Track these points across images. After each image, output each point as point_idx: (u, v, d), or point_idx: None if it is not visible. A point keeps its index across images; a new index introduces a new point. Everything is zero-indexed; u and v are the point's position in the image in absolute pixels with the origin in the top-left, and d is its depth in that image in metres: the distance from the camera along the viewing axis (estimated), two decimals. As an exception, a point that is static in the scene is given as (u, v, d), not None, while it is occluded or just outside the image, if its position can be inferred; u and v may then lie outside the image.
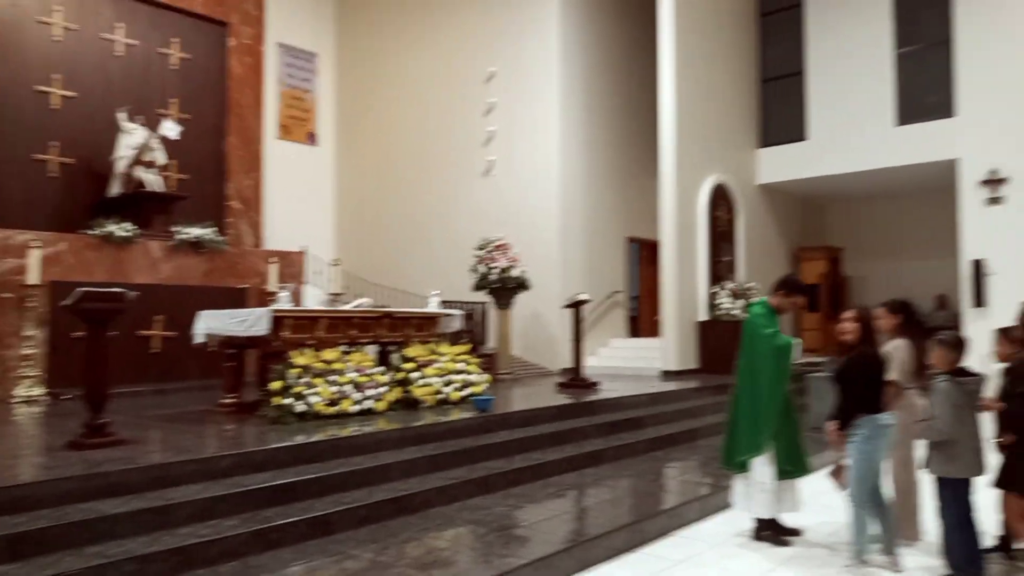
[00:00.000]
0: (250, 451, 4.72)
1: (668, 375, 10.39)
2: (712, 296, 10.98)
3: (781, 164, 12.15)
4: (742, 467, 4.67)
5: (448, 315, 7.72)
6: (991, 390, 4.22)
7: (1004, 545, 4.27)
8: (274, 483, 4.40)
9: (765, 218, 12.66)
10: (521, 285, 10.18)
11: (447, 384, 6.95)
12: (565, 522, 4.79)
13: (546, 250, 11.11)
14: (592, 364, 10.86)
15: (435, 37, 12.61)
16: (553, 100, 11.29)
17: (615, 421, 7.24)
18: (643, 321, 13.27)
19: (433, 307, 7.72)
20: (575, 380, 8.61)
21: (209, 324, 6.53)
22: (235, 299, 9.37)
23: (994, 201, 9.99)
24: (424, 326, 7.41)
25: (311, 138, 13.53)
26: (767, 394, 4.57)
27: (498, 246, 10.19)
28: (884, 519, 4.22)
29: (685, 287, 10.74)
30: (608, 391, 8.35)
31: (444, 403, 6.88)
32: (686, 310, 10.75)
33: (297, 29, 13.29)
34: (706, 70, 11.32)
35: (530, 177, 11.41)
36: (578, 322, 8.68)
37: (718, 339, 10.49)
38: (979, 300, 9.99)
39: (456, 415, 6.32)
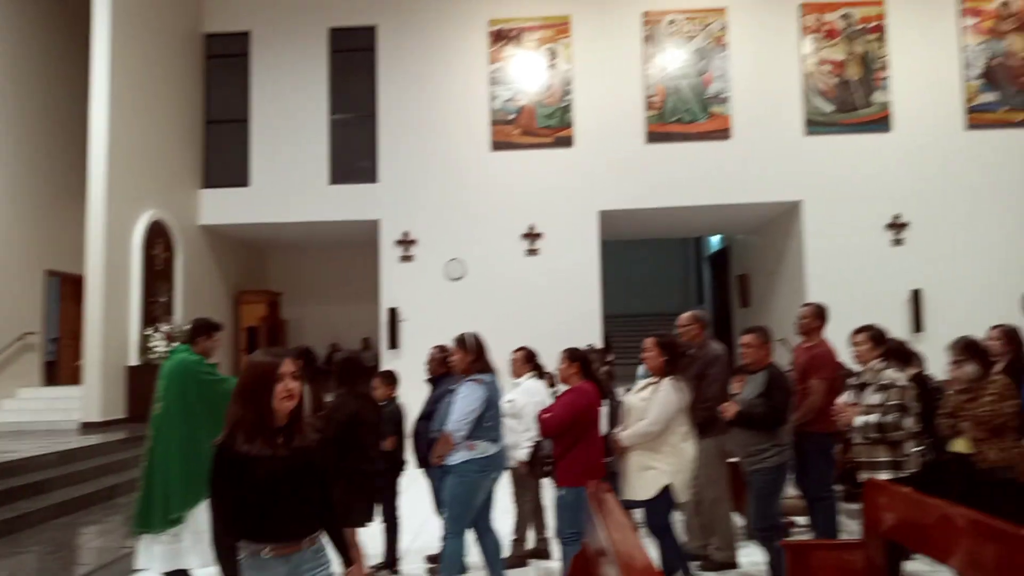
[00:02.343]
0: None
1: (89, 427, 9.29)
2: (145, 339, 10.27)
3: (224, 207, 12.14)
4: (177, 523, 4.39)
5: None
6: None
7: None
8: None
9: (207, 260, 12.45)
10: None
11: None
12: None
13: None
14: (-12, 421, 9.04)
15: None
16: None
17: (7, 489, 6.12)
18: (63, 367, 11.66)
19: None
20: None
21: None
22: None
23: (406, 259, 11.68)
24: None
25: None
26: (211, 441, 4.42)
27: None
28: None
29: (114, 328, 9.82)
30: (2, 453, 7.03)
31: None
32: (114, 353, 9.81)
33: None
34: (147, 101, 10.71)
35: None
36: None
37: (150, 385, 9.77)
38: (394, 342, 11.49)
39: None
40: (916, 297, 10.89)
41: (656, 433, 4.22)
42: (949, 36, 11.27)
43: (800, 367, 5.07)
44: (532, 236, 11.50)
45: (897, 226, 11.12)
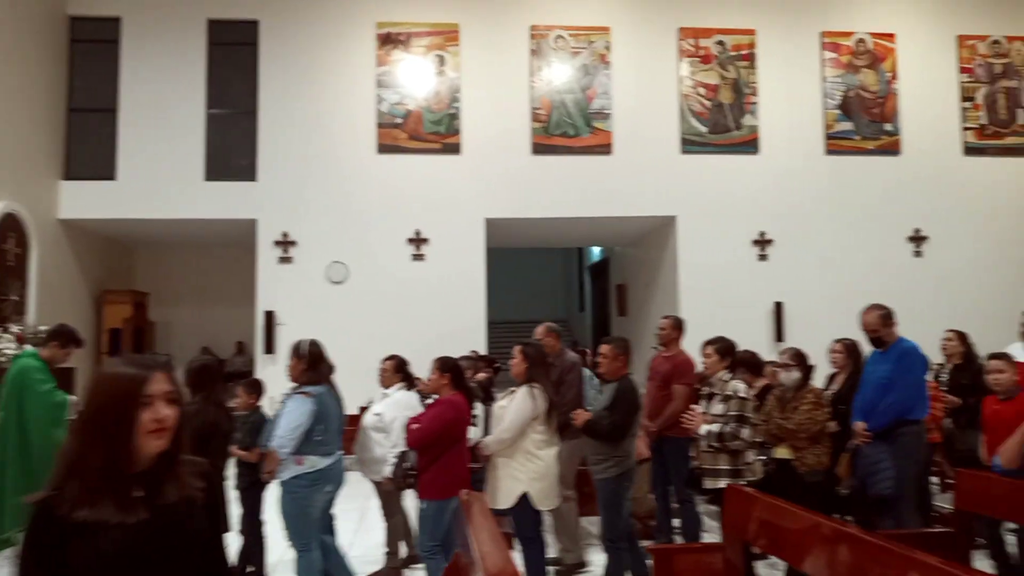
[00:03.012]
0: None
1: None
2: (-9, 341, 9.45)
3: (87, 201, 11.37)
4: (6, 544, 4.08)
5: None
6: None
7: None
8: None
9: (66, 256, 11.62)
10: None
11: None
12: None
13: None
14: None
15: None
16: None
17: None
18: None
19: None
20: None
21: None
22: None
23: (285, 260, 11.35)
24: None
25: None
26: (41, 455, 4.14)
27: None
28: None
29: (-46, 330, 8.99)
30: None
31: None
32: (-46, 357, 8.97)
33: None
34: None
35: None
36: None
37: (-4, 391, 9.03)
38: (270, 347, 11.13)
39: None
40: (778, 309, 11.60)
41: (509, 440, 4.21)
42: (812, 67, 12.10)
43: (661, 375, 5.29)
44: (418, 241, 11.44)
45: (762, 242, 11.82)
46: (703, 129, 11.79)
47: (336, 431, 4.29)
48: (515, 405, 4.23)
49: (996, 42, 12.35)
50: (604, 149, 11.64)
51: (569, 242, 17.39)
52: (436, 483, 4.15)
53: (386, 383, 5.23)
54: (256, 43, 11.55)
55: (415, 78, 11.53)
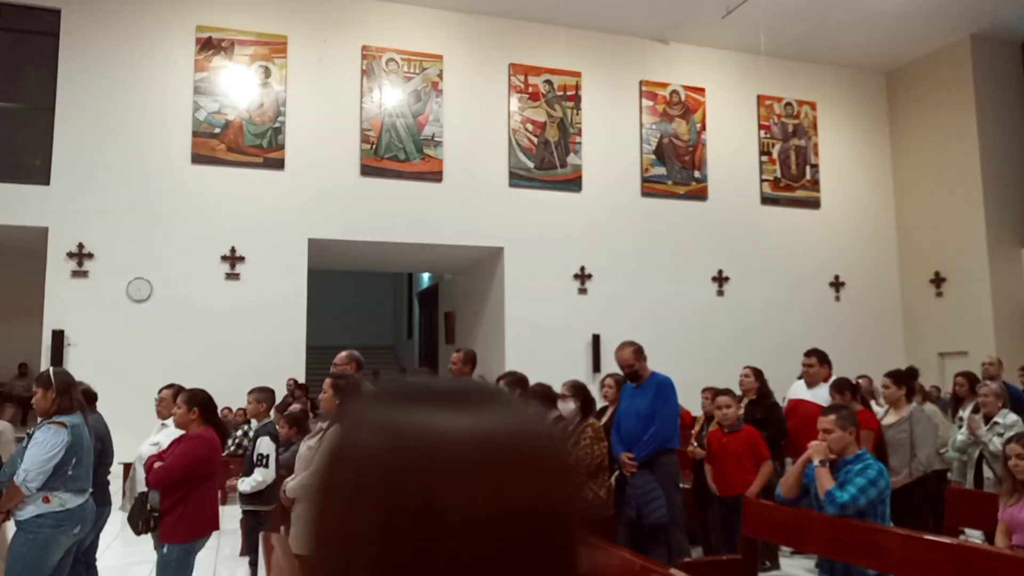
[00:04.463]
0: None
1: None
2: None
3: None
4: None
5: None
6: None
7: None
8: None
9: None
10: None
11: None
12: None
13: None
14: None
15: None
16: None
17: None
18: None
19: None
20: None
21: None
22: None
23: (80, 274, 10.30)
24: None
25: None
26: None
27: None
28: None
29: None
30: None
31: None
32: None
33: None
34: None
35: None
36: None
37: None
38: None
39: None
40: (596, 341, 12.05)
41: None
42: (631, 113, 12.85)
43: None
44: (233, 259, 10.81)
45: (582, 276, 12.28)
46: (531, 164, 12.12)
47: (89, 466, 3.83)
48: (325, 447, 3.93)
49: (789, 104, 13.75)
50: (435, 176, 11.65)
51: (398, 267, 17.21)
52: (181, 526, 3.80)
53: (163, 414, 4.91)
54: (58, 34, 10.53)
55: (237, 88, 10.97)
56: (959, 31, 12.88)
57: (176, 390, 4.78)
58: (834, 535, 3.77)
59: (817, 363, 6.13)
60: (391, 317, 23.19)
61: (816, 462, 3.82)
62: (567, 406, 5.00)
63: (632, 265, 12.49)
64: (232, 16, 11.09)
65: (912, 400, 5.57)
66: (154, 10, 10.84)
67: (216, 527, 3.94)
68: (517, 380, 4.90)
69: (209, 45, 10.90)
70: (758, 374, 6.24)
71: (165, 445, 4.38)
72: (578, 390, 5.06)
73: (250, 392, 5.51)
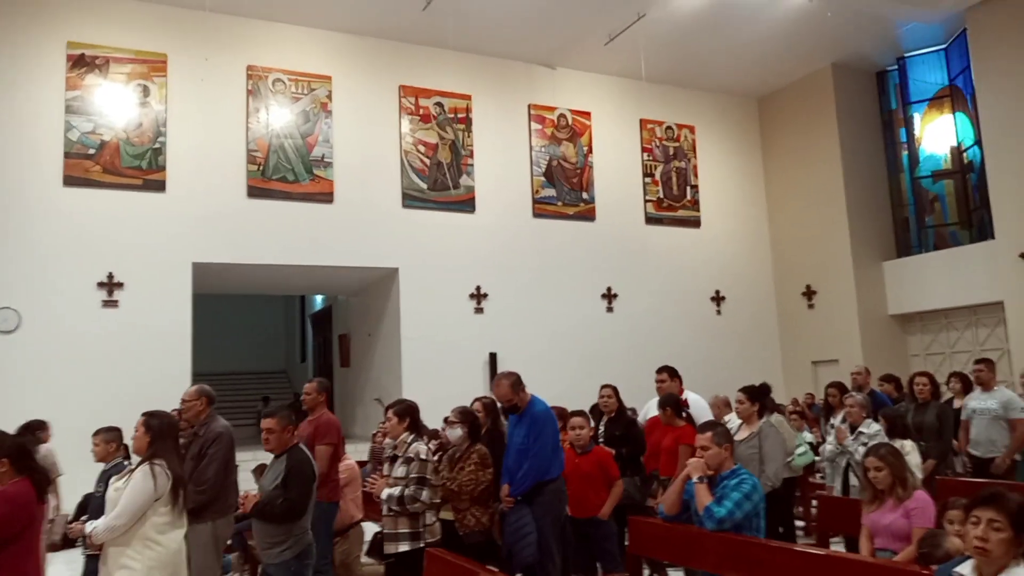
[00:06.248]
0: None
1: None
2: None
3: None
4: None
5: None
6: None
7: None
8: None
9: None
10: None
11: None
12: None
13: None
14: None
15: None
16: None
17: None
18: None
19: None
20: None
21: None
22: None
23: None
24: None
25: None
26: None
27: None
28: None
29: None
30: None
31: None
32: None
33: None
34: None
35: None
36: None
37: None
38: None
39: None
40: (492, 359, 12.18)
41: (123, 527, 3.66)
42: (521, 136, 13.13)
43: (306, 438, 5.20)
44: (111, 286, 10.28)
45: (478, 296, 12.40)
46: (424, 185, 12.17)
47: None
48: (131, 487, 3.69)
49: (669, 128, 14.41)
50: (325, 197, 11.49)
51: (289, 289, 16.80)
52: None
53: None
54: (-93, 46, 9.76)
55: (114, 107, 10.47)
56: (821, 60, 13.91)
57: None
58: (713, 549, 3.93)
59: (668, 378, 6.39)
60: (283, 341, 22.60)
61: (695, 479, 4.04)
62: (455, 432, 5.06)
63: (526, 284, 12.72)
64: (106, 33, 10.59)
65: (763, 416, 5.67)
66: (22, 24, 10.21)
67: None
68: (404, 409, 4.90)
69: (82, 62, 10.36)
70: (616, 392, 6.45)
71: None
72: (466, 415, 5.13)
73: (95, 433, 5.12)
